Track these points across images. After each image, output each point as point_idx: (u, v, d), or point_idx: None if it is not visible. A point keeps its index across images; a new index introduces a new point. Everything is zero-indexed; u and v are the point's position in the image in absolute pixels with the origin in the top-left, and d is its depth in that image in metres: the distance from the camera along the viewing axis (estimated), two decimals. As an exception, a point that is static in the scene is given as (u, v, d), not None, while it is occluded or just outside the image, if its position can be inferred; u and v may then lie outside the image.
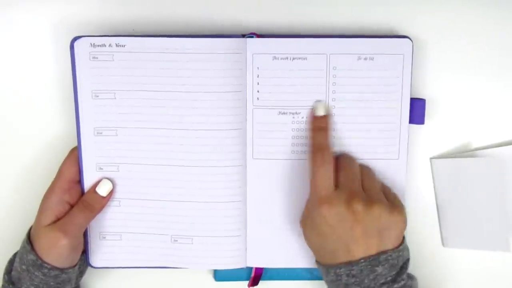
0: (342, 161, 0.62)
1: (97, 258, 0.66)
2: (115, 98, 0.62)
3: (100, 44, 0.61)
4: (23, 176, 0.68)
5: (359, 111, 0.63)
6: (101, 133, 0.63)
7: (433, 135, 0.67)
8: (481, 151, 0.66)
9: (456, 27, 0.65)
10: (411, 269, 0.66)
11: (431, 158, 0.67)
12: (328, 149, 0.61)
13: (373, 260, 0.58)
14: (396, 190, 0.63)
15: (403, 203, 0.61)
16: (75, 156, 0.63)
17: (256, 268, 0.67)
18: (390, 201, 0.60)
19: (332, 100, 0.63)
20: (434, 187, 0.67)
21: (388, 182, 0.64)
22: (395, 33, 0.65)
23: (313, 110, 0.62)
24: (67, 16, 0.65)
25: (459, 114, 0.66)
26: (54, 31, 0.65)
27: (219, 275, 0.68)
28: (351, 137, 0.63)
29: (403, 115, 0.63)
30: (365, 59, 0.62)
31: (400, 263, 0.60)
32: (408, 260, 0.61)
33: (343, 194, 0.58)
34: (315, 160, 0.60)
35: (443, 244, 0.68)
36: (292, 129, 0.63)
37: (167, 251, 0.65)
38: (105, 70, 0.62)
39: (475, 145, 0.67)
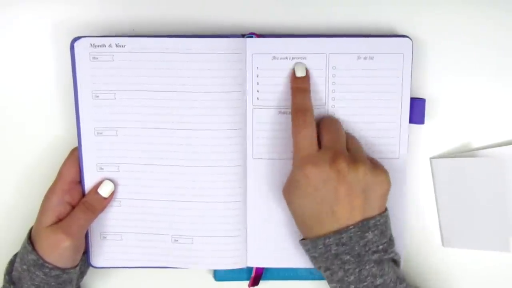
0: (326, 122, 0.61)
1: (98, 258, 0.66)
2: (115, 98, 0.62)
3: (100, 44, 0.61)
4: (23, 177, 0.68)
5: (359, 111, 0.63)
6: (102, 133, 0.63)
7: (433, 135, 0.67)
8: (481, 151, 0.66)
9: (456, 27, 0.65)
10: (411, 269, 0.67)
11: (431, 158, 0.67)
12: (309, 110, 0.60)
13: (363, 225, 0.57)
14: (396, 190, 0.63)
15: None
16: (75, 156, 0.64)
17: (257, 268, 0.67)
18: (373, 163, 0.60)
19: (332, 100, 0.63)
20: (434, 187, 0.67)
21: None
22: (395, 33, 0.65)
23: (293, 71, 0.62)
24: (68, 16, 0.65)
25: (459, 114, 0.66)
26: (54, 32, 0.65)
27: (219, 275, 0.68)
28: (351, 137, 0.63)
29: (403, 114, 0.63)
30: (365, 58, 0.62)
31: (389, 231, 0.59)
32: (392, 234, 0.60)
33: (327, 154, 0.57)
34: (296, 121, 0.59)
35: (443, 244, 0.68)
36: (292, 129, 0.63)
37: (167, 251, 0.65)
38: (105, 70, 0.62)
39: (475, 145, 0.67)
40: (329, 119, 0.62)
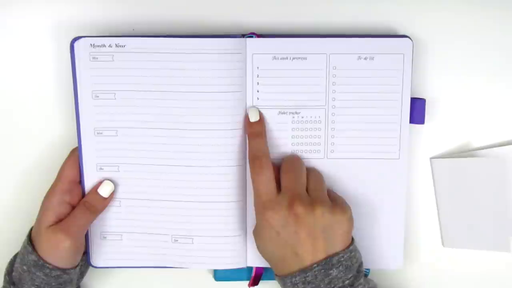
0: (286, 163, 0.62)
1: (98, 258, 0.66)
2: (115, 99, 0.62)
3: (100, 44, 0.61)
4: (23, 177, 0.68)
5: (359, 111, 0.63)
6: (101, 133, 0.63)
7: (433, 135, 0.67)
8: (481, 151, 0.66)
9: (456, 27, 0.65)
10: (411, 269, 0.67)
11: (431, 158, 0.67)
12: (265, 155, 0.61)
13: (326, 263, 0.58)
14: (396, 190, 0.64)
15: (349, 205, 0.61)
16: (75, 156, 0.63)
17: (257, 268, 0.67)
18: (333, 201, 0.60)
19: (332, 100, 0.63)
20: (434, 187, 0.67)
21: (388, 182, 0.64)
22: (395, 33, 0.65)
23: (247, 116, 0.62)
24: (67, 16, 0.65)
25: (459, 114, 0.66)
26: (54, 32, 0.65)
27: (219, 275, 0.68)
28: (351, 137, 0.63)
29: (404, 114, 0.63)
30: (365, 58, 0.62)
31: (356, 265, 0.59)
32: (362, 263, 0.60)
33: (285, 198, 0.58)
34: (253, 167, 0.60)
35: (443, 244, 0.68)
36: (292, 129, 0.63)
37: (167, 251, 0.65)
38: (105, 70, 0.62)
39: (475, 145, 0.67)
40: (290, 159, 0.62)
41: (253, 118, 0.62)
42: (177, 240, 0.65)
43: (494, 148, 0.66)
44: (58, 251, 0.60)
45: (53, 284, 0.61)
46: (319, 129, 0.63)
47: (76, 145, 0.63)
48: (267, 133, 0.63)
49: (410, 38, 0.62)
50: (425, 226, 0.68)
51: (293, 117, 0.63)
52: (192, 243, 0.65)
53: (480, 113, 0.66)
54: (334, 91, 0.63)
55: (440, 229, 0.68)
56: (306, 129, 0.63)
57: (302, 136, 0.63)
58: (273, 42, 0.62)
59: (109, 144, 0.63)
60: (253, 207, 0.64)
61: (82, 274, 0.66)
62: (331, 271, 0.58)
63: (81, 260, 0.64)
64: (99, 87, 0.62)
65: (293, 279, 0.58)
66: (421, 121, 0.64)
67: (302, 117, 0.63)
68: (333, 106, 0.63)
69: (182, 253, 0.65)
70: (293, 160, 0.62)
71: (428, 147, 0.67)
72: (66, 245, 0.60)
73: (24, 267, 0.61)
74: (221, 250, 0.65)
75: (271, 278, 0.67)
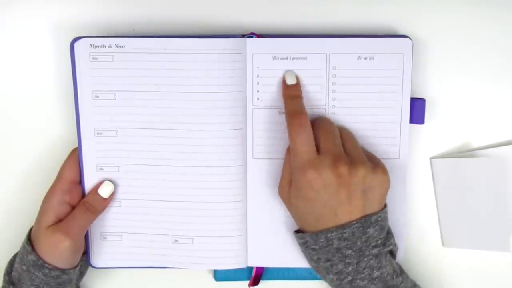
0: (320, 124, 0.61)
1: (98, 258, 0.66)
2: (115, 99, 0.62)
3: (100, 44, 0.61)
4: (23, 177, 0.68)
5: (359, 111, 0.63)
6: (102, 133, 0.63)
7: (433, 135, 0.67)
8: (481, 151, 0.66)
9: (456, 27, 0.65)
10: (411, 269, 0.67)
11: (431, 158, 0.67)
12: (304, 114, 0.60)
13: (365, 221, 0.58)
14: (396, 190, 0.63)
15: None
16: (75, 156, 0.63)
17: (257, 268, 0.67)
18: (371, 161, 0.60)
19: (332, 100, 0.63)
20: (434, 187, 0.67)
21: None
22: (395, 33, 0.65)
23: (283, 79, 0.62)
24: (67, 16, 0.65)
25: (459, 114, 0.66)
26: (54, 32, 0.65)
27: (219, 275, 0.68)
28: (351, 137, 0.63)
29: (403, 114, 0.63)
30: (365, 58, 0.62)
31: (387, 226, 0.60)
32: (389, 227, 0.61)
33: (327, 158, 0.58)
34: (292, 126, 0.59)
35: (443, 244, 0.68)
36: (292, 129, 0.63)
37: (167, 251, 0.65)
38: (105, 70, 0.62)
39: (475, 145, 0.67)
40: (323, 120, 0.62)
41: (290, 80, 0.61)
42: (177, 240, 0.65)
43: (494, 148, 0.66)
44: (58, 251, 0.60)
45: (52, 284, 0.61)
46: (319, 129, 0.63)
47: (76, 145, 0.63)
48: (267, 132, 0.63)
49: (410, 38, 0.62)
50: (425, 226, 0.68)
51: (293, 117, 0.63)
52: (192, 243, 0.65)
53: (480, 113, 0.66)
54: (334, 91, 0.63)
55: (440, 229, 0.68)
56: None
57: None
58: (273, 42, 0.62)
59: (109, 145, 0.63)
60: (253, 207, 0.64)
61: (81, 274, 0.66)
62: (369, 229, 0.58)
63: (81, 260, 0.64)
64: (99, 87, 0.62)
65: (329, 235, 0.58)
66: (421, 121, 0.64)
67: (302, 117, 0.63)
68: (333, 106, 0.63)
69: (182, 253, 0.65)
70: (327, 122, 0.61)
71: (428, 147, 0.67)
72: (66, 245, 0.60)
73: (24, 267, 0.61)
74: (221, 250, 0.65)
75: (271, 278, 0.68)
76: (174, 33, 0.65)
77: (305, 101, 0.62)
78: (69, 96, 0.64)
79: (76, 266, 0.63)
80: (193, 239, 0.65)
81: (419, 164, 0.67)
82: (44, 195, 0.63)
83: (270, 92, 0.63)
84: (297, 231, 0.62)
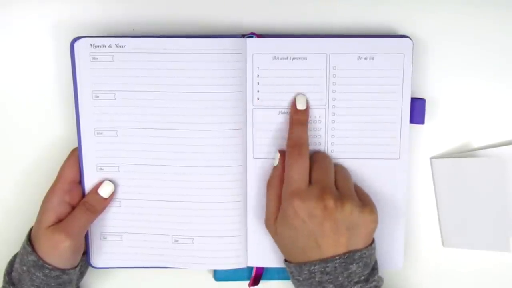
0: (316, 157, 0.62)
1: (98, 258, 0.66)
2: (115, 99, 0.62)
3: (100, 44, 0.61)
4: (23, 177, 0.68)
5: (359, 111, 0.63)
6: (102, 133, 0.63)
7: (433, 135, 0.67)
8: (481, 151, 0.66)
9: (456, 27, 0.65)
10: (411, 269, 0.67)
11: (431, 158, 0.67)
12: (305, 144, 0.60)
13: (348, 257, 0.58)
14: (396, 190, 0.64)
15: (375, 205, 0.61)
16: (75, 156, 0.63)
17: (257, 268, 0.67)
18: (361, 200, 0.60)
19: (332, 100, 0.63)
20: (434, 187, 0.67)
21: (388, 182, 0.64)
22: (395, 33, 0.65)
23: (293, 102, 0.62)
24: (67, 16, 0.65)
25: (459, 114, 0.66)
26: (54, 32, 0.65)
27: (219, 275, 0.68)
28: (351, 137, 0.63)
29: (404, 114, 0.63)
30: (365, 58, 0.62)
31: (372, 263, 0.60)
32: (376, 261, 0.61)
33: (315, 189, 0.58)
34: (291, 154, 0.60)
35: (443, 244, 0.68)
36: (292, 129, 0.63)
37: (167, 251, 0.65)
38: (105, 70, 0.62)
39: (475, 145, 0.67)
40: (321, 154, 0.62)
41: (301, 105, 0.62)
42: (177, 241, 0.65)
43: (494, 148, 0.66)
44: (58, 251, 0.60)
45: (53, 284, 0.61)
46: (319, 129, 0.63)
47: (76, 145, 0.63)
48: (267, 132, 0.63)
49: (410, 38, 0.62)
50: (425, 226, 0.68)
51: (293, 117, 0.63)
52: (192, 243, 0.65)
53: (480, 113, 0.66)
54: (334, 91, 0.63)
55: (440, 229, 0.68)
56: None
57: (302, 136, 0.63)
58: (273, 42, 0.62)
59: (109, 145, 0.63)
60: (253, 207, 0.64)
61: (81, 274, 0.66)
62: (351, 266, 0.58)
63: (81, 260, 0.64)
64: (99, 87, 0.62)
65: (312, 268, 0.58)
66: (421, 121, 0.64)
67: (302, 117, 0.63)
68: (333, 106, 0.63)
69: (182, 253, 0.65)
70: (324, 156, 0.62)
71: (428, 147, 0.67)
72: (66, 245, 0.60)
73: (24, 268, 0.61)
74: (221, 250, 0.65)
75: (271, 278, 0.68)
76: (174, 33, 0.65)
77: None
78: (69, 96, 0.64)
79: (76, 266, 0.63)
80: (193, 239, 0.65)
81: (419, 164, 0.67)
82: (44, 195, 0.63)
83: (270, 92, 0.63)
84: (286, 261, 0.62)
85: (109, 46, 0.61)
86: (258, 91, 0.63)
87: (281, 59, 0.62)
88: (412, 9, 0.65)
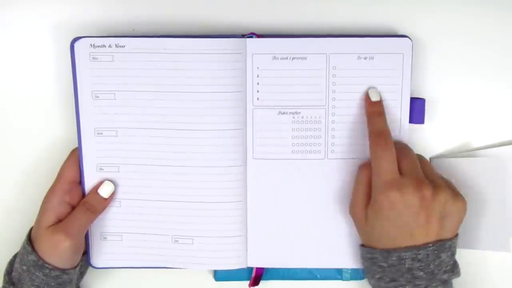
0: (400, 148, 0.61)
1: (98, 258, 0.66)
2: (115, 99, 0.62)
3: (100, 44, 0.61)
4: (23, 177, 0.68)
5: (359, 111, 0.63)
6: (102, 133, 0.63)
7: (433, 135, 0.67)
8: (481, 151, 0.66)
9: (456, 27, 0.65)
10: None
11: (431, 158, 0.67)
12: (389, 134, 0.60)
13: (440, 246, 0.58)
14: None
15: None
16: (75, 156, 0.64)
17: (257, 268, 0.67)
18: (452, 188, 0.60)
19: (332, 100, 0.63)
20: (434, 187, 0.67)
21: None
22: (395, 33, 0.65)
23: (367, 96, 0.62)
24: (67, 16, 0.65)
25: (459, 114, 0.66)
26: (54, 32, 0.65)
27: (219, 275, 0.68)
28: (351, 137, 0.63)
29: (403, 114, 0.63)
30: (365, 58, 0.62)
31: (456, 253, 0.60)
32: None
33: (411, 180, 0.58)
34: (378, 144, 0.59)
35: (443, 244, 0.68)
36: (292, 129, 0.63)
37: (167, 251, 0.65)
38: (105, 70, 0.62)
39: (475, 145, 0.67)
40: (403, 145, 0.62)
41: (374, 97, 0.61)
42: (177, 241, 0.65)
43: (494, 148, 0.66)
44: (58, 251, 0.60)
45: (53, 284, 0.61)
46: (319, 129, 0.63)
47: (76, 145, 0.63)
48: (267, 132, 0.63)
49: (409, 38, 0.62)
50: (425, 226, 0.68)
51: (293, 117, 0.63)
52: (192, 243, 0.65)
53: (480, 113, 0.66)
54: (334, 91, 0.63)
55: (440, 229, 0.68)
56: (306, 129, 0.63)
57: (302, 136, 0.63)
58: (273, 42, 0.62)
59: (109, 145, 0.63)
60: (253, 207, 0.64)
61: (81, 274, 0.66)
62: (442, 254, 0.58)
63: (81, 260, 0.64)
64: (99, 87, 0.62)
65: (402, 254, 0.58)
66: (421, 121, 0.64)
67: (302, 117, 0.63)
68: (333, 106, 0.63)
69: (182, 253, 0.65)
70: (406, 146, 0.62)
71: (428, 147, 0.67)
72: (66, 245, 0.60)
73: (24, 267, 0.61)
74: (221, 251, 0.65)
75: (271, 278, 0.68)
76: (174, 33, 0.65)
77: (305, 101, 0.62)
78: (69, 96, 0.64)
79: (76, 266, 0.63)
80: (193, 239, 0.65)
81: (419, 164, 0.67)
82: (44, 195, 0.63)
83: (270, 92, 0.63)
84: (364, 246, 0.62)
85: (109, 46, 0.61)
86: (258, 91, 0.63)
87: (281, 59, 0.62)
88: (411, 9, 0.65)
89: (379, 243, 0.60)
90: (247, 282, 0.67)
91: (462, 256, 0.67)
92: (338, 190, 0.64)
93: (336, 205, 0.64)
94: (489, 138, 0.67)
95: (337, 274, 0.67)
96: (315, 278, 0.67)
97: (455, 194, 0.59)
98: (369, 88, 0.62)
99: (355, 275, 0.67)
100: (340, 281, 0.68)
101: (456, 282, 0.60)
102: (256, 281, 0.67)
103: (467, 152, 0.66)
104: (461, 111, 0.66)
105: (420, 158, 0.62)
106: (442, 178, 0.62)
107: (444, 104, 0.66)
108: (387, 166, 0.59)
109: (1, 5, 0.65)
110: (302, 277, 0.68)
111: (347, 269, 0.67)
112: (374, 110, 0.61)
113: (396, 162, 0.59)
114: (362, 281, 0.67)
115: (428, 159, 0.64)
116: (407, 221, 0.58)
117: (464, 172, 0.65)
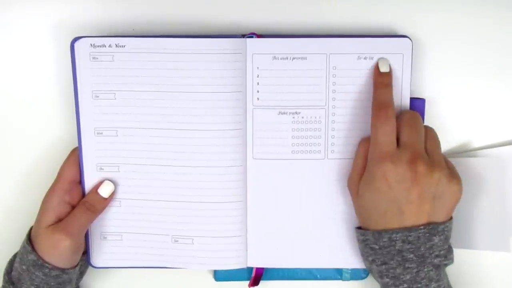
0: (406, 118, 0.60)
1: (98, 258, 0.66)
2: (115, 99, 0.62)
3: (100, 44, 0.61)
4: (23, 177, 0.68)
5: (359, 111, 0.63)
6: (102, 133, 0.63)
7: (433, 135, 0.67)
8: (482, 151, 0.66)
9: (456, 27, 0.65)
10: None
11: (431, 158, 0.67)
12: (391, 106, 0.59)
13: (432, 228, 0.57)
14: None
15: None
16: (75, 156, 0.64)
17: (257, 268, 0.67)
18: (450, 168, 0.59)
19: (332, 100, 0.63)
20: (434, 187, 0.67)
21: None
22: (395, 33, 0.65)
23: (376, 66, 0.61)
24: (68, 16, 0.65)
25: (459, 114, 0.66)
26: (54, 32, 0.65)
27: (219, 275, 0.68)
28: (351, 137, 0.63)
29: (403, 115, 0.63)
30: (365, 58, 0.62)
31: (449, 238, 0.59)
32: (450, 243, 0.60)
33: (406, 153, 0.57)
34: (378, 116, 0.59)
35: (443, 244, 0.68)
36: (292, 129, 0.63)
37: (167, 251, 0.65)
38: (105, 70, 0.62)
39: (475, 145, 0.67)
40: (410, 114, 0.61)
41: (384, 68, 0.61)
42: (177, 241, 0.65)
43: (494, 148, 0.66)
44: (58, 251, 0.60)
45: (52, 284, 0.61)
46: (319, 129, 0.63)
47: (76, 145, 0.63)
48: (267, 132, 0.63)
49: (409, 38, 0.62)
50: (425, 226, 0.68)
51: (293, 117, 0.63)
52: (192, 243, 0.65)
53: (480, 113, 0.66)
54: (334, 91, 0.63)
55: (440, 229, 0.68)
56: (306, 129, 0.63)
57: (302, 136, 0.63)
58: (273, 42, 0.62)
59: (109, 144, 0.63)
60: (253, 207, 0.64)
61: (81, 274, 0.66)
62: (434, 237, 0.57)
63: (81, 260, 0.64)
64: (99, 87, 0.62)
65: (393, 235, 0.57)
66: (421, 121, 0.64)
67: (302, 117, 0.63)
68: (333, 106, 0.63)
69: (182, 253, 0.65)
70: (415, 116, 0.60)
71: (428, 147, 0.67)
72: (66, 245, 0.60)
73: (23, 267, 0.61)
74: (221, 251, 0.65)
75: (271, 278, 0.68)
76: (174, 33, 0.65)
77: (305, 101, 0.62)
78: (69, 96, 0.64)
79: (76, 265, 0.63)
80: (193, 239, 0.65)
81: (419, 164, 0.67)
82: (44, 195, 0.63)
83: (270, 92, 0.63)
84: (358, 228, 0.62)
85: (109, 46, 0.61)
86: (258, 91, 0.63)
87: (281, 59, 0.62)
88: (412, 9, 0.65)
89: (371, 222, 0.59)
90: (247, 282, 0.67)
91: (462, 256, 0.68)
92: (338, 190, 0.64)
93: (336, 205, 0.64)
94: (489, 138, 0.67)
95: (337, 274, 0.67)
96: (315, 278, 0.67)
97: (452, 175, 0.58)
98: (380, 58, 0.61)
99: (355, 275, 0.67)
100: (340, 281, 0.68)
101: (456, 282, 0.60)
102: (256, 281, 0.67)
103: (467, 152, 0.66)
104: (461, 111, 0.66)
105: (429, 132, 0.61)
106: (446, 159, 0.61)
107: (444, 104, 0.66)
108: (384, 137, 0.58)
109: (1, 5, 0.65)
110: (302, 277, 0.68)
111: (347, 269, 0.67)
112: (381, 81, 0.61)
113: (395, 135, 0.58)
114: (362, 281, 0.68)
115: (437, 136, 0.62)
116: (398, 196, 0.57)
117: (464, 172, 0.65)
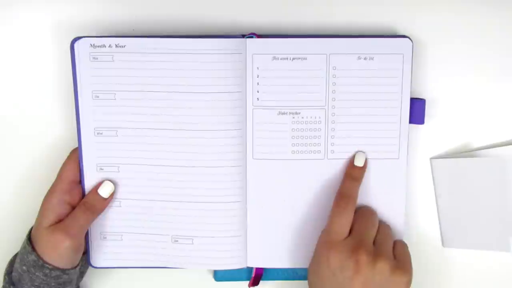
0: (362, 211, 0.62)
1: (98, 258, 0.66)
2: (115, 99, 0.62)
3: (100, 44, 0.61)
4: (23, 177, 0.68)
5: (359, 111, 0.63)
6: (102, 133, 0.63)
7: (433, 135, 0.67)
8: (481, 151, 0.66)
9: (456, 27, 0.65)
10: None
11: (431, 158, 0.67)
12: (353, 199, 0.61)
13: None
14: (396, 190, 0.64)
15: (412, 267, 0.60)
16: (75, 156, 0.64)
17: (257, 268, 0.67)
18: (398, 260, 0.60)
19: (332, 100, 0.63)
20: (434, 187, 0.67)
21: (388, 182, 0.64)
22: (395, 33, 0.65)
23: (352, 157, 0.63)
24: (67, 16, 0.65)
25: (459, 114, 0.66)
26: (54, 32, 0.65)
27: (219, 275, 0.68)
28: (351, 137, 0.63)
29: (403, 115, 0.63)
30: (365, 59, 0.62)
31: None
32: None
33: (351, 242, 0.59)
34: (338, 206, 0.61)
35: (443, 244, 0.68)
36: (292, 129, 0.63)
37: (167, 251, 0.65)
38: (105, 70, 0.62)
39: (475, 145, 0.67)
40: (368, 210, 0.63)
41: (359, 162, 0.62)
42: (177, 241, 0.65)
43: (494, 148, 0.66)
44: (58, 251, 0.60)
45: (53, 284, 0.61)
46: (319, 129, 0.63)
47: (76, 145, 0.63)
48: (267, 132, 0.63)
49: (409, 39, 0.62)
50: (425, 226, 0.68)
51: (293, 117, 0.63)
52: (192, 243, 0.65)
53: (480, 113, 0.66)
54: (334, 91, 0.63)
55: (440, 229, 0.68)
56: (306, 129, 0.63)
57: (302, 137, 0.63)
58: (273, 42, 0.62)
59: (109, 144, 0.63)
60: (253, 207, 0.64)
61: (81, 274, 0.66)
62: None
63: (81, 260, 0.64)
64: (99, 87, 0.62)
65: None
66: (421, 121, 0.64)
67: (302, 117, 0.63)
68: (333, 106, 0.63)
69: (182, 253, 0.65)
70: (370, 212, 0.63)
71: (428, 147, 0.67)
72: (66, 245, 0.60)
73: (24, 267, 0.61)
74: (221, 251, 0.65)
75: (271, 278, 0.68)
76: (174, 33, 0.65)
77: (305, 101, 0.62)
78: (69, 96, 0.64)
79: (76, 266, 0.63)
80: (193, 239, 0.65)
81: (419, 164, 0.67)
82: (44, 195, 0.63)
83: (270, 92, 0.63)
84: None
85: (109, 46, 0.61)
86: (258, 91, 0.63)
87: (281, 59, 0.62)
88: (412, 9, 0.65)
89: None
90: (247, 282, 0.67)
91: (462, 256, 0.68)
92: (337, 190, 0.64)
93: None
94: (489, 138, 0.67)
95: (337, 274, 0.67)
96: (315, 278, 0.67)
97: (398, 266, 0.59)
98: (358, 152, 0.63)
99: (355, 275, 0.67)
100: (340, 281, 0.68)
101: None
102: (256, 281, 0.67)
103: (467, 152, 0.66)
104: (461, 111, 0.66)
105: (382, 227, 0.62)
106: (400, 247, 0.61)
107: (444, 104, 0.66)
108: (337, 227, 0.60)
109: (1, 5, 0.65)
110: (302, 277, 0.68)
111: (347, 269, 0.67)
112: (352, 174, 0.62)
113: (349, 226, 0.60)
114: (362, 281, 0.68)
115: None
116: (342, 283, 0.58)
117: (464, 172, 0.66)
